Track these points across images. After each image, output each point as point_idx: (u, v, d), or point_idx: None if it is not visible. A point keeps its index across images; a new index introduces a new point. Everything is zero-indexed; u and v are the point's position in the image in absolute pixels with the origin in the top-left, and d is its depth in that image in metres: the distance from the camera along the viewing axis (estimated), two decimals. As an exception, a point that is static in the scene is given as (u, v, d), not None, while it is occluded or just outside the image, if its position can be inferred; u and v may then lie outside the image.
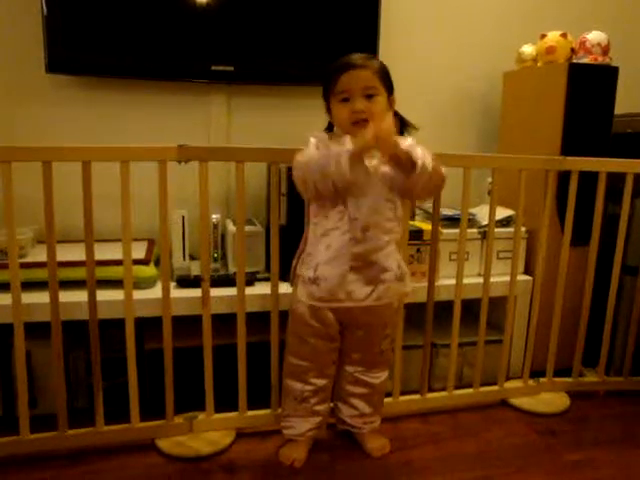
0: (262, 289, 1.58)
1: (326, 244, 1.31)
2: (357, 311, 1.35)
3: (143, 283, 1.56)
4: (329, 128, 1.40)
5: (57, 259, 1.32)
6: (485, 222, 1.70)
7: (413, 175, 1.24)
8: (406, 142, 1.29)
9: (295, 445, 1.44)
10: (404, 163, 1.24)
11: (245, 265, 1.47)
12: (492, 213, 1.64)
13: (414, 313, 1.72)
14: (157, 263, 1.57)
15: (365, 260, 1.30)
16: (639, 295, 1.79)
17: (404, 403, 1.66)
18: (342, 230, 1.29)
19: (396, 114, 1.36)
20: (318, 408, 1.43)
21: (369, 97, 1.27)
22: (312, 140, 1.28)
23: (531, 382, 1.80)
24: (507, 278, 1.72)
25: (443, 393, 1.71)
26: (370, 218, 1.29)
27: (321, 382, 1.42)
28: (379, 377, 1.47)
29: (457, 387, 1.73)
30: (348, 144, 1.19)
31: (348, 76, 1.25)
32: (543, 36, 1.86)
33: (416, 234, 1.69)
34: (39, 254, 1.50)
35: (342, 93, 1.27)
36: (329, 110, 1.34)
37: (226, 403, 1.52)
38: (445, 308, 1.68)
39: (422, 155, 1.24)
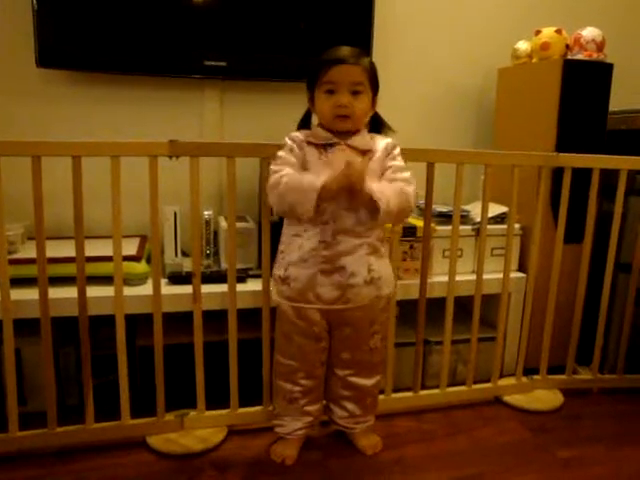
0: (254, 286, 1.57)
1: (298, 244, 1.31)
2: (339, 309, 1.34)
3: (134, 279, 1.55)
4: (304, 121, 1.38)
5: (47, 255, 1.32)
6: (479, 219, 1.69)
7: (377, 217, 1.25)
8: (395, 162, 1.32)
9: (286, 443, 1.44)
10: (367, 205, 1.25)
11: (237, 262, 1.47)
12: (484, 210, 1.64)
13: (407, 310, 1.71)
14: (150, 260, 1.56)
15: (334, 264, 1.29)
16: (632, 292, 1.79)
17: (397, 400, 1.66)
18: (313, 232, 1.29)
19: (376, 115, 1.37)
20: (308, 409, 1.42)
21: (355, 94, 1.26)
22: (288, 142, 1.31)
23: (524, 379, 1.80)
24: (500, 275, 1.71)
25: (436, 390, 1.71)
26: (340, 223, 1.28)
27: (310, 383, 1.41)
28: (371, 380, 1.45)
29: (450, 384, 1.72)
30: (318, 181, 1.20)
31: (338, 69, 1.24)
32: (538, 32, 1.86)
33: (410, 230, 1.69)
34: (30, 250, 1.48)
35: (329, 84, 1.26)
36: (312, 100, 1.32)
37: (217, 400, 1.51)
38: (438, 305, 1.67)
39: (386, 201, 1.22)
